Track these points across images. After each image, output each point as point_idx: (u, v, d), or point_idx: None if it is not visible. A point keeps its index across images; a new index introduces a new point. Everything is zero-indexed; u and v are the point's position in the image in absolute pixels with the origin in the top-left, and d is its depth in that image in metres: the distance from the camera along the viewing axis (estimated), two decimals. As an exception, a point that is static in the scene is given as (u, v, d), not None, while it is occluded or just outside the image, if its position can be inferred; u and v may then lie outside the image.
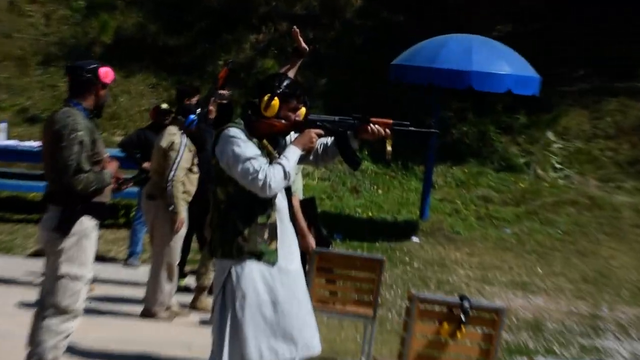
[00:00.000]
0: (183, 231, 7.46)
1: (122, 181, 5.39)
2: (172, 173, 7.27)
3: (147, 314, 7.43)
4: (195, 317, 7.69)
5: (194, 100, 8.20)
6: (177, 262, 7.53)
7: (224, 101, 8.03)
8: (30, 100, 14.81)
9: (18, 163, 12.68)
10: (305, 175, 13.95)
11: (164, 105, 9.73)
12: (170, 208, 7.26)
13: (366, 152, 14.58)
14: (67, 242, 5.04)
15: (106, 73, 5.17)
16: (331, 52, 16.69)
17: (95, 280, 8.31)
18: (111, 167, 5.19)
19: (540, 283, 10.40)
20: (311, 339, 4.59)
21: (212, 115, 8.03)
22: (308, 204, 6.34)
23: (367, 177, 14.31)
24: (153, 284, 7.40)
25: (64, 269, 5.04)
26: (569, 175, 14.53)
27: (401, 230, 12.30)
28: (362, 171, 14.35)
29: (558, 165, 14.73)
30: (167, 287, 7.42)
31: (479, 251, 11.75)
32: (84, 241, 5.06)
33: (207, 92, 8.20)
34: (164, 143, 7.38)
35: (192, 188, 7.54)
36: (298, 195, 6.20)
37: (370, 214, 13.00)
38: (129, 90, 15.28)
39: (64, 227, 5.04)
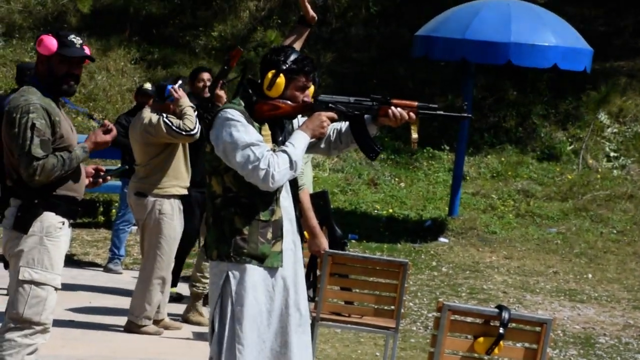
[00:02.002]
0: (179, 230, 7.51)
1: (104, 174, 5.39)
2: (165, 119, 7.32)
3: (132, 328, 7.48)
4: (187, 330, 7.74)
5: (198, 84, 8.23)
6: (171, 269, 7.58)
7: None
8: (-8, 79, 14.88)
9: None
10: (315, 165, 13.99)
11: (147, 85, 9.80)
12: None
13: (386, 139, 14.61)
14: (27, 243, 5.03)
15: (40, 40, 5.09)
16: (343, 22, 16.70)
17: (68, 288, 8.37)
18: (90, 140, 5.11)
19: (591, 291, 10.43)
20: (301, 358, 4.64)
21: (222, 102, 8.02)
22: (319, 199, 6.38)
23: (387, 167, 14.35)
24: (141, 294, 7.45)
25: (25, 274, 5.04)
26: (626, 165, 14.52)
27: (427, 230, 12.34)
28: (381, 161, 14.39)
29: (612, 154, 14.73)
30: (157, 298, 7.47)
31: (518, 254, 11.78)
32: (47, 242, 5.05)
33: (217, 74, 8.24)
34: (143, 130, 7.42)
35: (185, 182, 7.59)
36: (308, 188, 6.24)
37: (390, 210, 13.04)
38: (108, 67, 15.34)
39: (21, 225, 5.03)
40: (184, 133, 7.34)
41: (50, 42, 5.08)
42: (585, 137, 14.86)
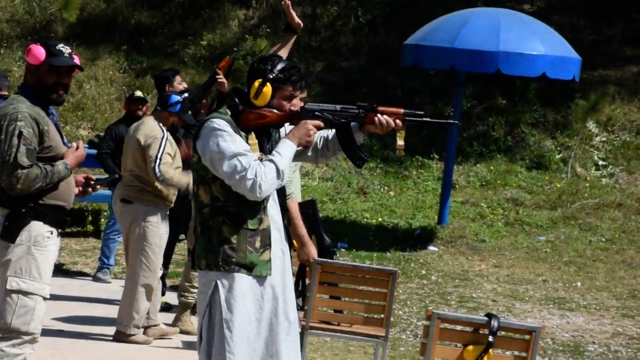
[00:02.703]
0: (165, 238, 7.50)
1: (94, 183, 5.37)
2: (156, 167, 7.26)
3: (121, 337, 7.47)
4: (177, 339, 7.73)
5: (178, 85, 8.24)
6: (158, 276, 7.56)
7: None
8: (-20, 88, 14.83)
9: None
10: (304, 174, 13.99)
11: (138, 93, 9.82)
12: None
13: (375, 147, 14.63)
14: (15, 252, 5.02)
15: (28, 50, 5.12)
16: (333, 31, 16.73)
17: (57, 298, 8.36)
18: (70, 158, 5.11)
19: (580, 299, 10.45)
20: None
21: (205, 110, 8.03)
22: (308, 208, 6.39)
23: (376, 176, 14.36)
24: (128, 303, 7.43)
25: (12, 283, 5.03)
26: (614, 174, 14.56)
27: (416, 238, 12.33)
28: (371, 170, 14.40)
29: (601, 162, 14.76)
30: (144, 306, 7.46)
31: (507, 262, 11.79)
32: (35, 251, 5.04)
33: (204, 83, 8.24)
34: (141, 137, 7.39)
35: (173, 191, 7.57)
36: (296, 197, 6.25)
37: (380, 219, 13.05)
38: (96, 76, 15.32)
39: (8, 234, 5.03)
40: (160, 179, 7.30)
41: (39, 52, 5.08)
42: (574, 145, 14.89)
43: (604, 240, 12.75)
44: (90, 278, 9.72)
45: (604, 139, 15.11)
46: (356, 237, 12.17)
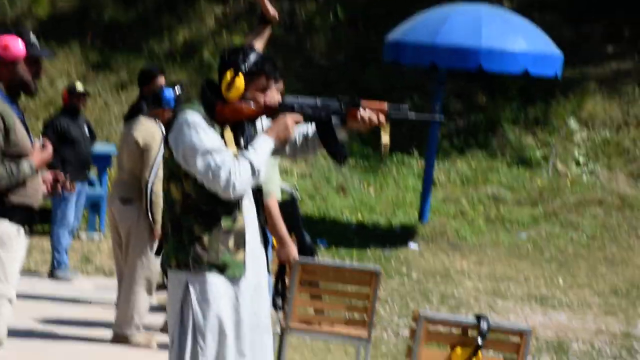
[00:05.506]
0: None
1: (63, 182, 5.17)
2: (151, 176, 7.08)
3: (120, 338, 7.23)
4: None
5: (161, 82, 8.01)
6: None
7: None
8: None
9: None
10: (282, 171, 13.83)
11: (79, 86, 9.82)
12: (150, 216, 7.09)
13: (355, 144, 14.50)
14: None
15: (4, 44, 4.86)
16: (311, 27, 16.61)
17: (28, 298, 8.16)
18: (35, 158, 4.90)
19: (562, 296, 10.35)
20: None
21: None
22: (288, 206, 6.24)
23: (356, 173, 14.23)
24: (126, 303, 7.20)
25: None
26: (595, 171, 14.52)
27: (397, 236, 12.21)
28: (350, 166, 14.28)
29: (582, 159, 14.72)
30: (145, 306, 7.25)
31: (489, 260, 11.70)
32: (0, 252, 4.84)
33: None
34: (139, 138, 7.17)
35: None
36: (276, 195, 6.09)
37: (360, 216, 12.93)
38: (69, 73, 15.16)
39: None
40: (148, 194, 7.10)
41: (17, 45, 4.89)
42: (555, 142, 14.85)
43: (585, 237, 12.72)
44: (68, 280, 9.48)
45: (584, 135, 15.07)
46: (336, 235, 12.06)
